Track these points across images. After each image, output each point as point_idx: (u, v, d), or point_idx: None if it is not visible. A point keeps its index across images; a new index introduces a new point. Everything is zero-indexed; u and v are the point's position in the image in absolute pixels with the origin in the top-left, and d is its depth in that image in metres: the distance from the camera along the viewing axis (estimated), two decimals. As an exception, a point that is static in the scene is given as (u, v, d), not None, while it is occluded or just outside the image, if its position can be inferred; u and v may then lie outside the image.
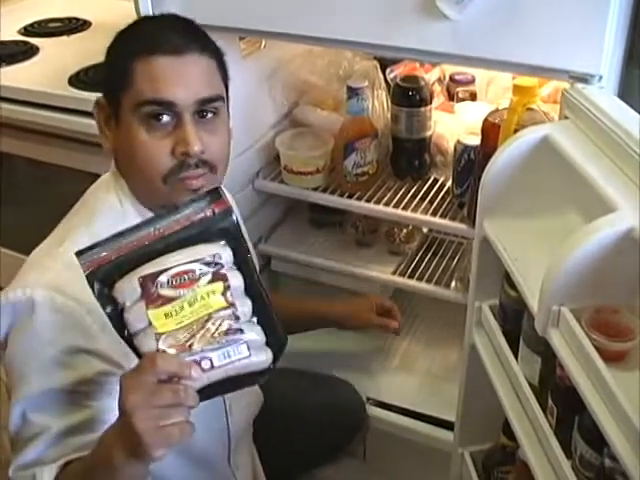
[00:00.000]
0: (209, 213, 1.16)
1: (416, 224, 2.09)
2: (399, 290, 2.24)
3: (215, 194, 1.17)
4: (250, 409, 1.63)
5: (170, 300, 1.11)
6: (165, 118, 1.29)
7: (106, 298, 1.11)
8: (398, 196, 1.94)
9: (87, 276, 1.10)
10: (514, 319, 1.38)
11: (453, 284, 1.97)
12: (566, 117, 1.36)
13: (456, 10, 1.35)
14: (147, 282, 1.10)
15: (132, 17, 1.59)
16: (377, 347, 2.21)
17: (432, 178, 1.99)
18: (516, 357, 1.38)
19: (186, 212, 1.15)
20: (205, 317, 1.11)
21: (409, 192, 1.95)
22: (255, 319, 1.15)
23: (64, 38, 2.42)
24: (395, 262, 2.10)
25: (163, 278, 1.11)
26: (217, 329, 1.11)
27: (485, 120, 1.65)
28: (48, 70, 2.17)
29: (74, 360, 1.26)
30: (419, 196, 1.94)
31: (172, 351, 1.09)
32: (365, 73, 1.99)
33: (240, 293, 1.14)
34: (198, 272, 1.12)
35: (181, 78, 1.29)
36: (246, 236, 1.22)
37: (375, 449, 2.11)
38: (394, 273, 2.06)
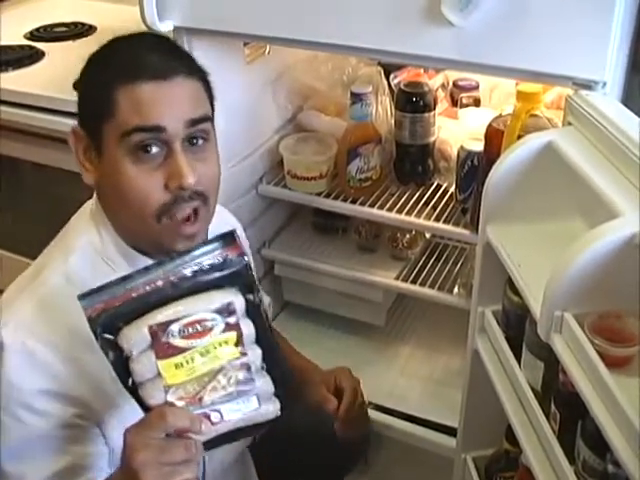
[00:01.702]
0: (221, 258, 1.12)
1: (419, 229, 2.09)
2: (402, 295, 2.24)
3: (229, 237, 1.13)
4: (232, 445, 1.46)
5: (181, 351, 1.07)
6: (154, 149, 1.20)
7: (109, 345, 1.07)
8: (401, 201, 1.94)
9: (89, 321, 1.05)
10: (517, 325, 1.38)
11: (456, 289, 1.97)
12: (570, 123, 1.36)
13: (460, 17, 1.35)
14: (157, 331, 1.06)
15: (138, 22, 1.61)
16: (380, 352, 2.21)
17: (435, 184, 1.99)
18: (519, 362, 1.38)
19: (197, 255, 1.11)
20: (217, 368, 1.09)
21: (412, 197, 1.95)
22: (265, 368, 1.13)
23: (70, 43, 2.43)
24: (398, 267, 2.10)
25: (174, 327, 1.07)
26: (229, 380, 1.09)
27: (489, 126, 1.65)
28: (53, 75, 2.18)
29: (48, 405, 1.20)
30: (422, 201, 1.94)
31: (181, 404, 1.07)
32: (369, 79, 2.00)
33: (251, 342, 1.12)
34: (211, 322, 1.08)
35: (168, 102, 1.21)
36: (256, 277, 1.16)
37: (377, 455, 2.11)
38: (397, 278, 2.06)
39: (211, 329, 1.08)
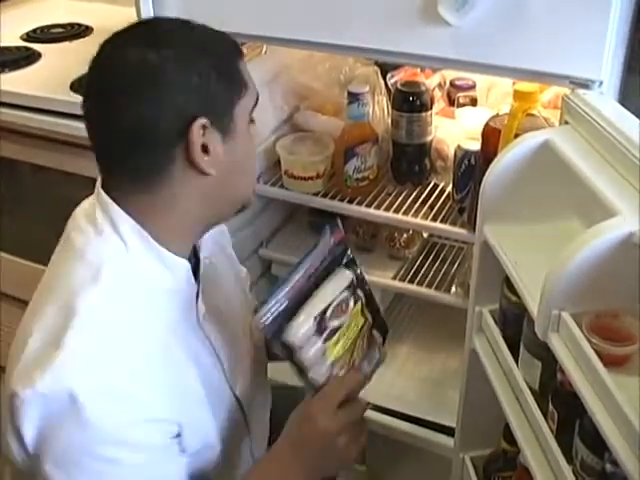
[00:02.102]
0: (332, 243, 1.34)
1: (416, 229, 2.08)
2: (399, 295, 2.24)
3: (335, 225, 1.36)
4: (265, 406, 1.61)
5: (337, 329, 1.29)
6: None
7: (280, 345, 1.25)
8: (398, 201, 1.94)
9: (265, 330, 1.22)
10: (514, 324, 1.38)
11: (453, 289, 1.97)
12: (566, 122, 1.36)
13: (457, 16, 1.35)
14: (320, 319, 1.26)
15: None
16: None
17: (432, 183, 1.99)
18: (517, 362, 1.38)
19: (320, 248, 1.32)
20: (357, 335, 1.34)
21: (409, 197, 1.95)
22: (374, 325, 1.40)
23: (66, 44, 2.43)
24: (395, 267, 2.10)
25: (329, 312, 1.27)
26: (364, 342, 1.36)
27: (486, 125, 1.65)
28: (50, 76, 2.18)
29: (141, 434, 1.16)
30: (419, 201, 1.94)
31: (343, 372, 1.30)
32: (366, 78, 2.00)
33: (365, 307, 1.37)
34: (346, 299, 1.31)
35: None
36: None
37: (375, 454, 2.11)
38: (394, 278, 2.06)
39: (347, 305, 1.31)
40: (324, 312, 1.27)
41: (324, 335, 1.26)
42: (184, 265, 1.25)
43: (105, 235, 1.19)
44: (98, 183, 1.24)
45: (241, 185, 1.28)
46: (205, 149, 1.16)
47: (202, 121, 1.14)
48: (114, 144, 1.16)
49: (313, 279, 1.29)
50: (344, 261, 1.37)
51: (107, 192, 1.20)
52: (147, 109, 1.12)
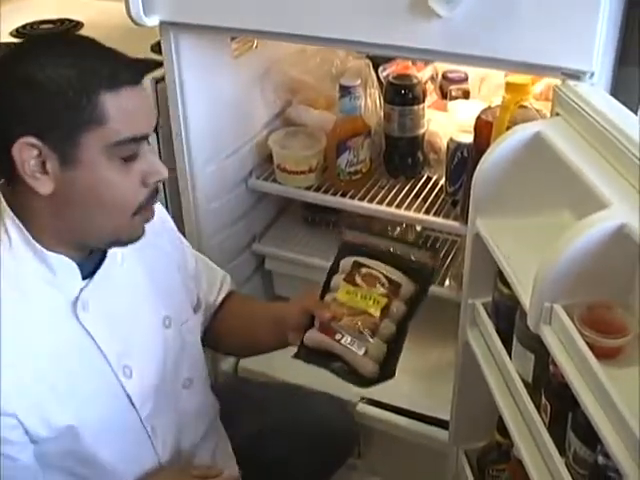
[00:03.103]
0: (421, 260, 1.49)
1: (409, 222, 2.08)
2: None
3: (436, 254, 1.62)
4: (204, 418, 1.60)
5: (355, 285, 1.44)
6: (136, 155, 1.23)
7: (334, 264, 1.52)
8: (391, 194, 1.94)
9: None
10: (507, 316, 1.38)
11: (447, 282, 1.97)
12: (557, 114, 1.36)
13: (448, 8, 1.35)
14: (354, 265, 1.47)
15: (124, 18, 1.60)
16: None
17: (425, 176, 1.98)
18: (510, 354, 1.38)
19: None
20: (362, 310, 1.42)
21: (402, 190, 1.95)
22: (387, 342, 1.43)
23: (56, 39, 2.42)
24: (389, 261, 2.09)
25: (363, 270, 1.46)
26: (360, 323, 1.40)
27: (478, 118, 1.65)
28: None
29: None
30: (412, 194, 1.94)
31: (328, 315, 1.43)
32: (357, 72, 1.99)
33: (393, 319, 1.44)
34: (380, 283, 1.44)
35: (146, 107, 1.25)
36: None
37: (370, 448, 2.11)
38: (388, 271, 2.06)
39: (375, 286, 1.44)
40: (364, 266, 1.47)
41: (348, 277, 1.46)
42: (61, 260, 1.26)
43: None
44: None
45: (92, 219, 1.25)
46: (43, 167, 1.17)
47: (27, 140, 1.15)
48: None
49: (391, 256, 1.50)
50: (419, 279, 1.48)
51: None
52: None
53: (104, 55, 1.21)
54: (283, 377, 2.03)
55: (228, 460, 1.63)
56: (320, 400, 1.91)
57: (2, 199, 1.24)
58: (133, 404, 1.37)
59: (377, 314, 1.42)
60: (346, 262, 1.49)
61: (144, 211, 1.27)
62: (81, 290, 1.29)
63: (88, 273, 1.30)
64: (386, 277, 1.45)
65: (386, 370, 1.43)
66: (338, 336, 1.40)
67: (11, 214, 1.22)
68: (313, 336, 1.44)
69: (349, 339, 1.40)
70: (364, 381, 1.41)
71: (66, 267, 1.27)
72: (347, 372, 1.41)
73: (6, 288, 1.21)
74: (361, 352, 1.39)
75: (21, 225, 1.22)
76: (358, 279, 1.45)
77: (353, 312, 1.42)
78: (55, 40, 1.27)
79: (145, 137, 1.23)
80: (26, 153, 1.15)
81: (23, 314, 1.22)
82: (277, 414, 1.77)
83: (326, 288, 1.49)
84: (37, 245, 1.23)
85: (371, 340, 1.40)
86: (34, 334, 1.23)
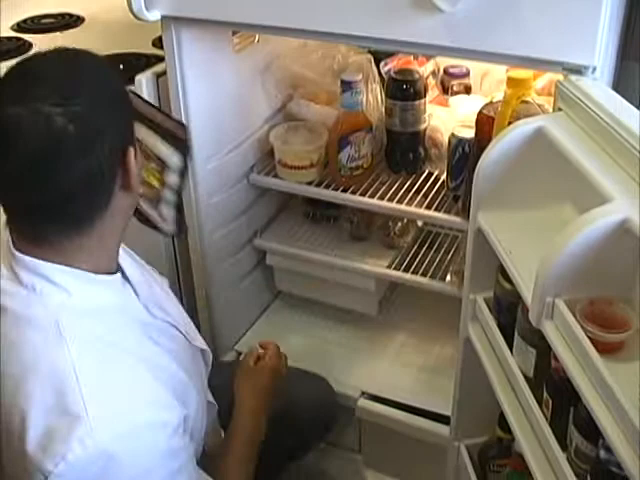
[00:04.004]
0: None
1: (411, 217, 2.08)
2: (394, 284, 2.24)
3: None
4: None
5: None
6: None
7: None
8: (393, 190, 1.94)
9: None
10: (509, 311, 1.38)
11: (448, 277, 1.97)
12: (560, 109, 1.35)
13: (450, 3, 1.35)
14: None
15: (125, 12, 1.60)
16: (372, 341, 2.22)
17: (427, 171, 1.98)
18: (511, 349, 1.38)
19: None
20: (146, 182, 1.50)
21: (404, 185, 1.95)
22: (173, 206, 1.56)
23: (57, 34, 2.41)
24: (390, 256, 2.10)
25: (141, 146, 1.39)
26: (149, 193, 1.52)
27: (479, 113, 1.65)
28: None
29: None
30: (414, 189, 1.93)
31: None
32: (359, 67, 1.99)
33: (171, 187, 1.52)
34: (152, 159, 1.50)
35: None
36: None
37: (371, 443, 2.12)
38: (389, 267, 2.06)
39: (149, 161, 1.50)
40: (139, 140, 1.37)
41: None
42: (117, 278, 1.28)
43: (39, 289, 1.17)
44: (6, 243, 1.21)
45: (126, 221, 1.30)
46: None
47: (131, 149, 1.18)
48: (45, 206, 1.13)
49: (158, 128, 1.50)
50: (182, 147, 1.52)
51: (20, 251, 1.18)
52: (84, 165, 1.11)
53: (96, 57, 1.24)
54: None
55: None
56: (298, 375, 1.93)
57: (35, 261, 1.17)
58: (205, 361, 1.52)
59: (157, 185, 1.53)
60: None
61: None
62: (136, 294, 1.31)
63: None
64: (155, 155, 1.50)
65: (179, 227, 1.61)
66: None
67: (57, 266, 1.17)
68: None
69: (142, 202, 1.53)
70: (164, 233, 1.66)
71: (117, 282, 1.28)
72: (151, 224, 1.60)
73: (96, 333, 1.19)
74: (155, 215, 1.57)
75: (71, 268, 1.19)
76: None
77: (142, 181, 1.46)
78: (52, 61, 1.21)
79: None
80: (132, 162, 1.18)
81: (124, 341, 1.22)
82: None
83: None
84: (94, 275, 1.21)
85: (158, 208, 1.56)
86: (143, 350, 1.25)
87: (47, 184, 1.09)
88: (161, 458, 1.18)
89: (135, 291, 1.31)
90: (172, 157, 1.50)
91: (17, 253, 1.17)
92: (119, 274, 1.29)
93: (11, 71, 1.14)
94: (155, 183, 1.53)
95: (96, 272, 1.21)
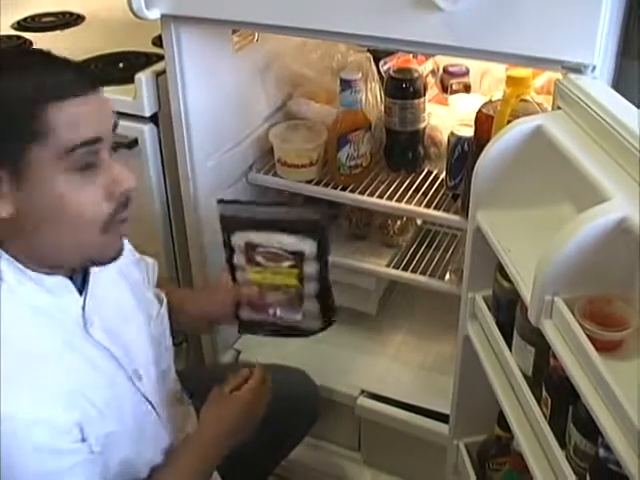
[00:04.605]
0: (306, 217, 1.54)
1: (410, 216, 2.09)
2: (393, 282, 2.24)
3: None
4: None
5: (259, 264, 1.53)
6: (93, 161, 1.19)
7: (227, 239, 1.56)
8: (392, 188, 1.94)
9: (222, 217, 1.57)
10: (508, 310, 1.38)
11: (447, 276, 1.97)
12: (559, 108, 1.36)
13: (449, 1, 1.35)
14: (247, 247, 1.53)
15: (125, 11, 1.60)
16: (372, 340, 2.22)
17: (426, 170, 1.98)
18: (510, 348, 1.38)
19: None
20: (279, 285, 1.53)
21: (403, 184, 1.95)
22: (317, 299, 1.56)
23: (57, 33, 2.41)
24: (389, 254, 2.10)
25: (261, 249, 1.52)
26: (286, 297, 1.54)
27: (479, 112, 1.65)
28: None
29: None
30: (413, 188, 1.93)
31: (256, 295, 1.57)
32: (358, 65, 1.99)
33: (311, 279, 1.53)
34: (284, 257, 1.52)
35: (97, 111, 1.20)
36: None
37: (370, 441, 2.12)
38: (388, 265, 2.06)
39: (281, 260, 1.52)
40: (257, 246, 1.52)
41: (247, 260, 1.55)
42: (59, 282, 1.26)
43: None
44: None
45: (58, 239, 1.22)
46: None
47: None
48: None
49: (278, 224, 1.53)
50: (312, 231, 1.54)
51: None
52: None
53: (50, 68, 1.19)
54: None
55: None
56: (275, 369, 1.92)
57: None
58: (151, 404, 1.42)
59: (296, 283, 1.54)
60: (238, 239, 1.55)
61: (116, 226, 1.24)
62: (83, 307, 1.29)
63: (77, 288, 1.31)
64: (285, 250, 1.52)
65: (327, 318, 1.63)
66: (271, 311, 1.56)
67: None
68: (248, 314, 1.60)
69: (280, 311, 1.57)
70: (309, 333, 1.63)
71: (64, 287, 1.27)
72: (288, 331, 1.62)
73: (15, 323, 1.20)
74: (299, 317, 1.57)
75: (6, 254, 1.20)
76: (260, 258, 1.53)
77: (274, 287, 1.53)
78: (2, 55, 1.23)
79: (96, 141, 1.18)
80: None
81: (46, 342, 1.23)
82: None
83: (232, 267, 1.60)
84: (29, 272, 1.22)
85: (302, 307, 1.56)
86: (59, 360, 1.23)
87: None
88: (35, 453, 1.17)
89: (84, 303, 1.30)
90: (304, 245, 1.51)
91: None
92: (64, 279, 1.27)
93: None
94: (294, 282, 1.53)
95: (29, 267, 1.22)
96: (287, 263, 1.49)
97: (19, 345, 1.18)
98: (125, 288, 1.44)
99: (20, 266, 1.21)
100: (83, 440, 1.24)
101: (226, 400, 1.53)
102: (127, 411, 1.35)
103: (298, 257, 1.50)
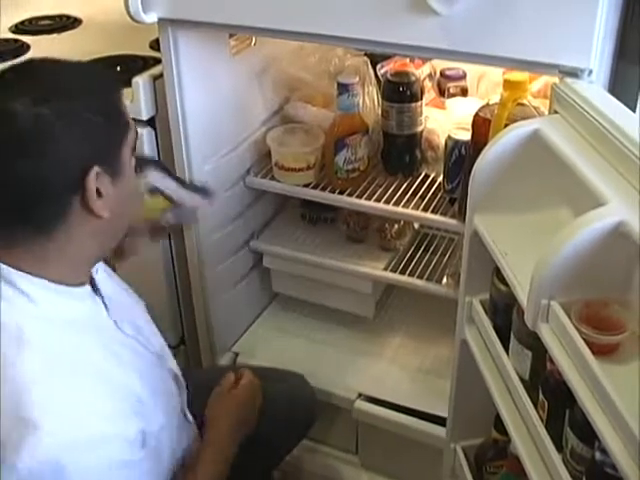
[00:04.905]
0: None
1: (407, 220, 2.09)
2: (391, 286, 2.24)
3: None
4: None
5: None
6: None
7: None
8: (389, 192, 1.93)
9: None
10: (505, 314, 1.38)
11: (444, 280, 1.97)
12: (556, 112, 1.36)
13: (446, 5, 1.35)
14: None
15: (123, 15, 1.60)
16: (369, 343, 2.22)
17: (423, 174, 1.98)
18: (507, 351, 1.38)
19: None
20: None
21: (400, 188, 1.95)
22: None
23: (55, 36, 2.41)
24: (387, 258, 2.10)
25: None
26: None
27: (476, 115, 1.65)
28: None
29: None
30: (410, 192, 1.93)
31: None
32: (356, 69, 1.99)
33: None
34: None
35: None
36: None
37: (367, 444, 2.12)
38: (386, 269, 2.06)
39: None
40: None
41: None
42: (86, 291, 1.28)
43: (5, 295, 1.17)
44: None
45: (129, 217, 1.30)
46: (99, 193, 1.16)
47: (96, 170, 1.14)
48: (4, 204, 1.16)
49: None
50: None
51: None
52: (40, 168, 1.11)
53: (93, 65, 1.24)
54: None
55: None
56: (273, 372, 1.95)
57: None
58: (178, 385, 1.49)
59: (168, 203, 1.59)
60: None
61: None
62: (106, 308, 1.32)
63: None
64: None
65: (204, 194, 1.64)
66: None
67: (21, 273, 1.18)
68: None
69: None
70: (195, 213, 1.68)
71: (90, 295, 1.29)
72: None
73: (59, 343, 1.19)
74: (187, 214, 1.65)
75: (37, 277, 1.19)
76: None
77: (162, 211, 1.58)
78: (45, 65, 1.24)
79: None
80: (95, 182, 1.15)
81: (94, 355, 1.23)
82: None
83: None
84: (60, 287, 1.22)
85: (182, 208, 1.61)
86: (109, 370, 1.25)
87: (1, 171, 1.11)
88: (110, 470, 1.18)
89: (105, 305, 1.32)
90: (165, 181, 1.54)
91: None
92: (88, 287, 1.29)
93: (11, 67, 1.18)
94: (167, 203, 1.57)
95: (62, 283, 1.21)
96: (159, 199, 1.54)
97: (72, 363, 1.19)
98: (112, 281, 1.44)
99: (51, 284, 1.20)
100: (144, 443, 1.25)
101: (228, 397, 1.61)
102: (168, 399, 1.40)
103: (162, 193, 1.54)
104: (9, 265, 1.18)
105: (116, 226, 1.27)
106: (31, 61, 1.24)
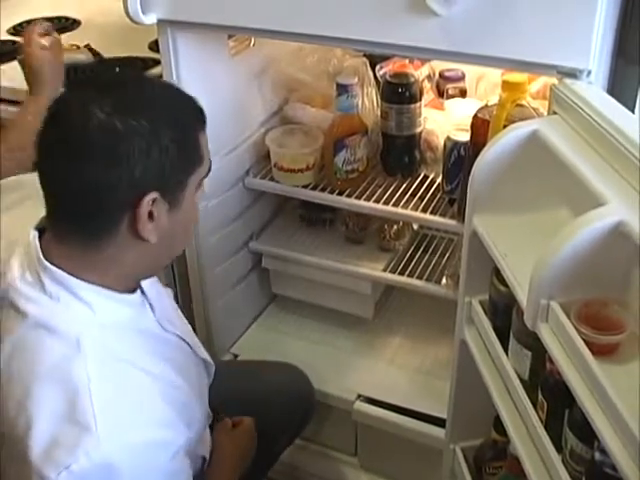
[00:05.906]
0: None
1: (406, 221, 2.09)
2: (390, 287, 2.24)
3: None
4: None
5: None
6: None
7: None
8: (388, 193, 1.94)
9: None
10: (504, 314, 1.38)
11: (444, 281, 1.97)
12: (555, 112, 1.36)
13: (445, 6, 1.35)
14: None
15: (122, 16, 1.60)
16: (368, 344, 2.22)
17: (422, 175, 1.99)
18: (506, 352, 1.38)
19: None
20: None
21: (399, 189, 1.95)
22: None
23: (53, 37, 2.41)
24: (386, 259, 2.10)
25: None
26: None
27: (474, 116, 1.65)
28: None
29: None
30: (409, 193, 1.94)
31: None
32: (355, 70, 1.99)
33: None
34: None
35: None
36: None
37: (367, 445, 2.11)
38: (385, 270, 2.06)
39: None
40: None
41: None
42: (137, 297, 1.29)
43: (64, 301, 1.19)
44: (34, 249, 1.22)
45: (180, 245, 1.34)
46: (150, 217, 1.16)
47: (153, 195, 1.15)
48: (65, 202, 1.17)
49: None
50: None
51: (45, 257, 1.20)
52: (103, 176, 1.12)
53: (179, 94, 1.27)
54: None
55: None
56: (275, 368, 1.96)
57: (60, 272, 1.19)
58: (208, 373, 1.52)
59: None
60: None
61: None
62: (152, 311, 1.33)
63: None
64: None
65: None
66: None
67: (80, 281, 1.19)
68: None
69: None
70: None
71: (141, 301, 1.30)
72: None
73: (112, 351, 1.20)
74: None
75: (94, 285, 1.20)
76: None
77: None
78: (137, 81, 1.27)
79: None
80: (149, 206, 1.15)
81: (141, 358, 1.24)
82: (228, 384, 1.78)
83: None
84: (113, 293, 1.23)
85: None
86: (159, 368, 1.27)
87: (68, 168, 1.13)
88: (159, 477, 1.19)
89: (152, 308, 1.33)
90: None
91: (48, 264, 1.19)
92: (139, 292, 1.30)
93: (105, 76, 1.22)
94: None
95: (116, 290, 1.23)
96: None
97: (126, 368, 1.20)
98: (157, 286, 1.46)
99: (107, 292, 1.22)
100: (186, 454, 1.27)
101: (234, 432, 1.61)
102: (204, 400, 1.44)
103: None
104: (68, 271, 1.19)
105: (163, 253, 1.28)
106: (125, 74, 1.25)
